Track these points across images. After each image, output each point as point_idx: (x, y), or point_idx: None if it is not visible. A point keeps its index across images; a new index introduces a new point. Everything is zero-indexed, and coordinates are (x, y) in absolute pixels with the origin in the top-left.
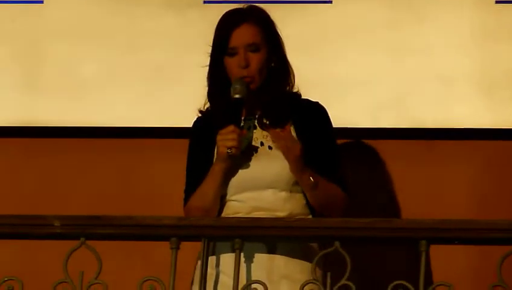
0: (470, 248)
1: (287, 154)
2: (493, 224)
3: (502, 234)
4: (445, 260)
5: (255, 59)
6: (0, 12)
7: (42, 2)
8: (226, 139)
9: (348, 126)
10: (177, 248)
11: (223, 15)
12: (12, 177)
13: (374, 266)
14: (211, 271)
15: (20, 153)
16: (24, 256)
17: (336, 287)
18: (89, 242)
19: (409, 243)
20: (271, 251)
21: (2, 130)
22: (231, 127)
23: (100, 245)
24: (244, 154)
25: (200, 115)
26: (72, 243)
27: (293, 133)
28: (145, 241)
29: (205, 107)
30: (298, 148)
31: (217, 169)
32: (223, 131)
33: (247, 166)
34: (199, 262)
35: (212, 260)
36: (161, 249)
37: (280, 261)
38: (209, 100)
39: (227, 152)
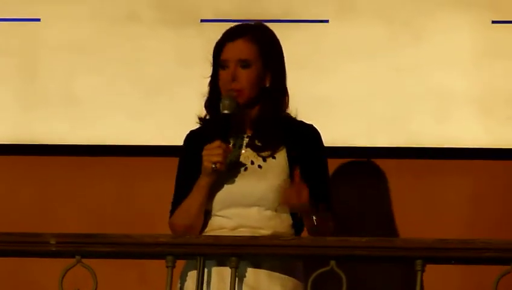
0: (466, 268)
1: (298, 211)
2: (489, 244)
3: (498, 254)
4: (442, 280)
5: (244, 74)
6: None
7: (39, 20)
8: (211, 154)
9: (344, 145)
10: (173, 266)
11: (229, 28)
12: (8, 195)
13: (370, 285)
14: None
15: (16, 170)
16: (20, 274)
17: None
18: (85, 260)
19: (405, 263)
20: (255, 265)
21: None
22: (217, 142)
23: (96, 263)
24: (231, 171)
25: (198, 121)
26: (67, 261)
27: (284, 154)
28: (141, 259)
29: (204, 115)
30: (306, 197)
31: (201, 183)
32: (209, 146)
33: (234, 182)
34: (186, 284)
35: (194, 274)
36: (157, 267)
37: (263, 276)
38: (206, 110)
39: (212, 167)
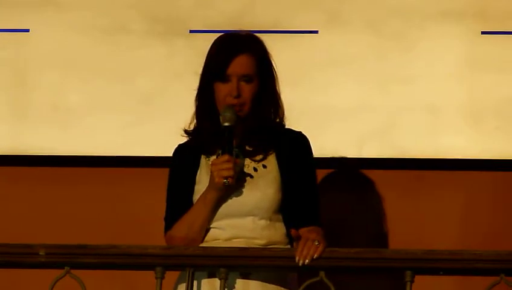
0: (455, 279)
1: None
2: (478, 255)
3: (487, 265)
4: None
5: (247, 90)
6: None
7: (28, 31)
8: (221, 169)
9: (334, 155)
10: (162, 278)
11: (222, 39)
12: None
13: None
14: None
15: (5, 181)
16: (8, 285)
17: None
18: (74, 271)
19: (395, 274)
20: (245, 275)
21: None
22: (226, 157)
23: (85, 274)
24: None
25: (183, 134)
26: (57, 272)
27: (275, 162)
28: (130, 270)
29: (190, 127)
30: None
31: (209, 198)
32: (217, 160)
33: (228, 193)
34: None
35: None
36: (146, 278)
37: (254, 287)
38: (196, 121)
39: (224, 182)
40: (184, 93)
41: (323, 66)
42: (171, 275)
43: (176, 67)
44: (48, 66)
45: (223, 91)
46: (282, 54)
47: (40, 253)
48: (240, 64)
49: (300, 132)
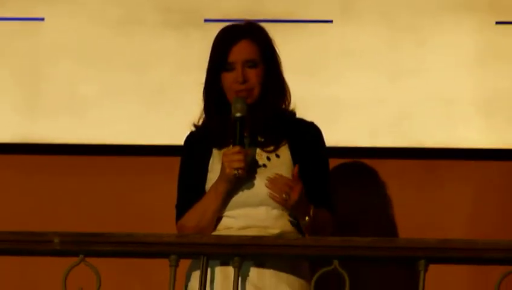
0: (469, 268)
1: (282, 205)
2: (492, 244)
3: (501, 254)
4: (444, 280)
5: (253, 74)
6: (0, 29)
7: (43, 20)
8: (232, 161)
9: (347, 145)
10: (176, 266)
11: (221, 30)
12: (12, 194)
13: (373, 285)
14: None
15: (19, 170)
16: (23, 273)
17: None
18: (89, 259)
19: (408, 263)
20: (260, 265)
21: (2, 147)
22: (237, 148)
23: (99, 262)
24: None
25: (194, 129)
26: (71, 260)
27: (288, 152)
28: (145, 258)
29: (199, 122)
30: (297, 194)
31: (220, 189)
32: (228, 152)
33: (241, 183)
34: (189, 284)
35: (198, 274)
36: (160, 266)
37: (268, 276)
38: (205, 115)
39: (235, 174)
40: (198, 83)
41: (337, 56)
42: (184, 263)
43: (191, 57)
44: (62, 56)
45: (229, 79)
46: (295, 44)
47: (55, 241)
48: (242, 50)
49: (312, 122)
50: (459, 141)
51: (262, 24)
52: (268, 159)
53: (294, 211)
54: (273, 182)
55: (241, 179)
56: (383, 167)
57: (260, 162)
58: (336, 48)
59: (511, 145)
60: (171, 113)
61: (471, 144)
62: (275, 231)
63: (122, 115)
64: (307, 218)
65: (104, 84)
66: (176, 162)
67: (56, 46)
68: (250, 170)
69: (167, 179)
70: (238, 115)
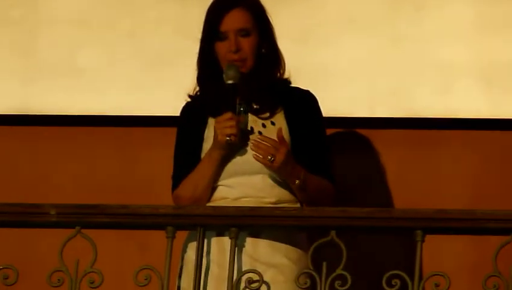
0: (466, 238)
1: (268, 167)
2: (490, 214)
3: (499, 224)
4: (441, 250)
5: (246, 43)
6: None
7: None
8: (224, 127)
9: (345, 115)
10: (173, 237)
11: (215, 0)
12: (8, 166)
13: (370, 255)
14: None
15: (15, 140)
16: (20, 244)
17: (331, 277)
18: (85, 231)
19: (405, 233)
20: (255, 234)
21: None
22: (229, 114)
23: (96, 234)
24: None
25: (189, 100)
26: (67, 232)
27: (283, 119)
28: (141, 229)
29: (194, 92)
30: (282, 155)
31: (214, 156)
32: (221, 118)
33: (237, 151)
34: (186, 255)
35: (195, 245)
36: (157, 237)
37: (263, 246)
38: (199, 85)
39: (227, 140)
40: (196, 52)
41: (334, 25)
42: (181, 235)
43: (189, 26)
44: (59, 25)
45: (223, 49)
46: (291, 12)
47: (51, 213)
48: (234, 19)
49: (308, 90)
50: (458, 110)
51: None
52: (264, 126)
53: (281, 174)
54: (257, 144)
55: (234, 145)
56: (380, 137)
57: (255, 129)
58: (333, 16)
59: (510, 115)
60: (168, 83)
61: (471, 114)
62: (271, 199)
63: (119, 84)
64: (297, 181)
65: (102, 54)
66: (173, 132)
67: (53, 16)
68: (246, 137)
69: (164, 150)
70: (230, 82)
